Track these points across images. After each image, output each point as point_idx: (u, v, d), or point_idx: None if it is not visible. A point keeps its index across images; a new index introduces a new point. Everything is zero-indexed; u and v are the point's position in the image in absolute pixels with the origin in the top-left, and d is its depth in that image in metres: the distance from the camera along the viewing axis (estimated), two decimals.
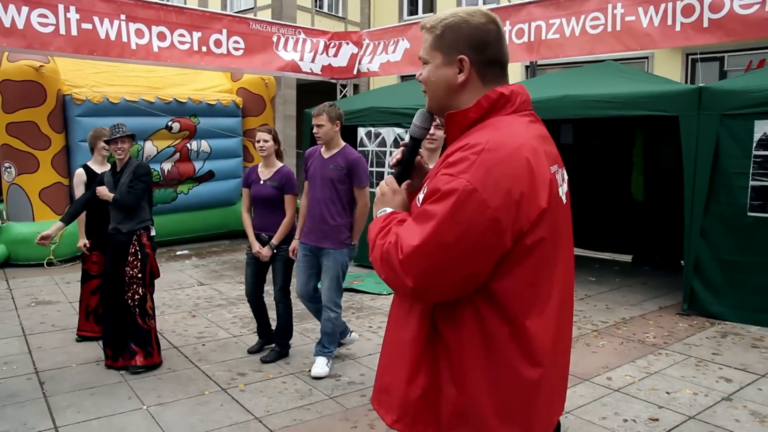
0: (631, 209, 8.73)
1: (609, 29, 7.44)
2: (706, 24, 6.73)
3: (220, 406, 3.96)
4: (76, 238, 8.40)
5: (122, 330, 4.55)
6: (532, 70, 14.41)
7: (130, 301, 4.50)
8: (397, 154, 1.75)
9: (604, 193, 8.94)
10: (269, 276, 4.87)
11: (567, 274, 1.59)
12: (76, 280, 7.56)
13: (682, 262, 6.38)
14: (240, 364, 4.70)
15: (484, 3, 16.05)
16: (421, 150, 1.79)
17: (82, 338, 5.28)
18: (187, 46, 8.13)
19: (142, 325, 4.54)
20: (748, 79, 6.20)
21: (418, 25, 9.18)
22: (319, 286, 4.59)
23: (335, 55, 9.86)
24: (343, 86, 10.98)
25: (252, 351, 4.96)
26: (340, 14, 17.48)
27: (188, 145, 9.49)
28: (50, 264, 8.39)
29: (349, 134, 6.35)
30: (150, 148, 9.09)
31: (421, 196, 1.51)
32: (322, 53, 9.69)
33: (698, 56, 12.50)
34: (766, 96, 5.42)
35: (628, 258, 8.89)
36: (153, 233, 4.76)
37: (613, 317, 5.97)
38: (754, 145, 5.54)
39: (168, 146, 9.28)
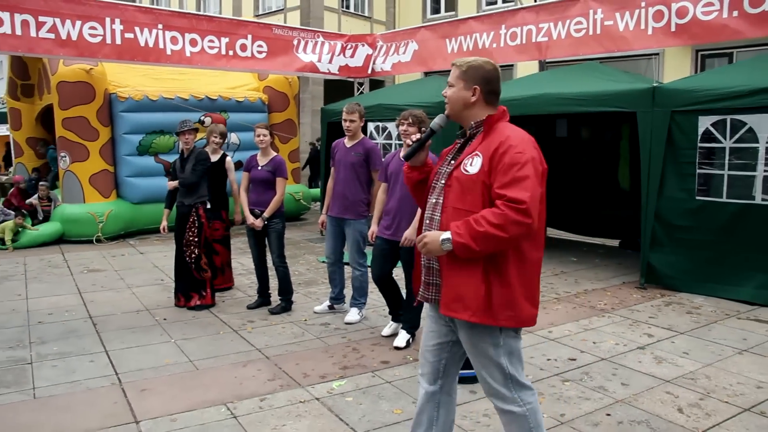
0: (618, 197, 9.51)
1: (590, 33, 8.24)
2: (673, 28, 7.49)
3: (230, 341, 5.02)
4: (122, 218, 9.68)
5: (184, 279, 5.94)
6: (541, 67, 15.22)
7: (188, 258, 5.83)
8: (417, 135, 2.66)
9: (595, 182, 9.74)
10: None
11: (543, 219, 2.53)
12: (120, 254, 8.80)
13: None
14: (250, 315, 5.77)
15: (486, 4, 16.81)
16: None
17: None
18: (215, 50, 9.23)
19: (197, 276, 5.89)
20: (695, 79, 6.99)
21: (425, 29, 10.17)
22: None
23: (352, 56, 10.86)
24: (360, 84, 11.95)
25: (250, 307, 5.99)
26: (366, 14, 18.46)
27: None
28: (98, 241, 9.63)
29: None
30: None
31: (470, 168, 2.41)
32: (339, 54, 10.70)
33: (706, 53, 13.06)
34: (707, 95, 6.22)
35: (615, 242, 9.67)
36: (208, 206, 5.97)
37: (576, 289, 6.84)
38: (699, 138, 6.33)
39: (200, 138, 10.40)
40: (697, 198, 6.44)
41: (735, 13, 6.99)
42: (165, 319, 5.62)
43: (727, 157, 6.22)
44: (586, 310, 6.01)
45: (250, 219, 5.73)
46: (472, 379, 4.00)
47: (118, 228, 9.90)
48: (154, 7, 8.97)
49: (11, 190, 10.75)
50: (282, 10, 17.53)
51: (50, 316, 5.73)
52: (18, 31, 7.63)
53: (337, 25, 17.12)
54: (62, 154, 9.64)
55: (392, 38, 10.80)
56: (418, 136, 2.64)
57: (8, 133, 13.60)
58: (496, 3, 17.08)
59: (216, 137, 6.46)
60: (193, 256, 5.86)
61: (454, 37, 9.78)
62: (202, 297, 5.93)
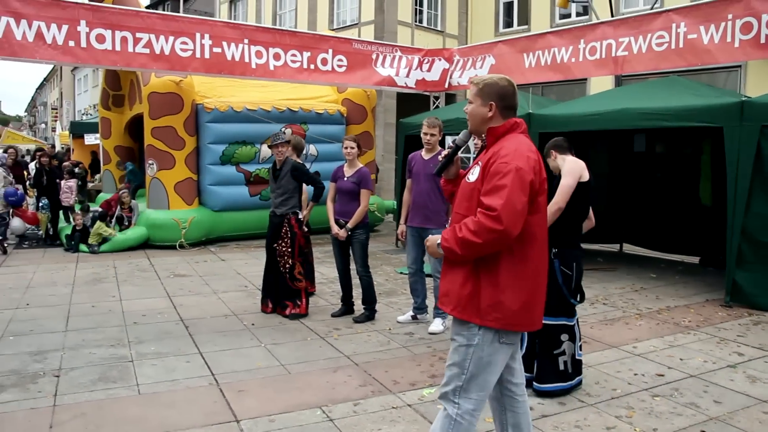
0: (699, 213, 9.26)
1: (672, 46, 8.10)
2: (763, 40, 7.27)
3: (318, 347, 5.20)
4: (203, 225, 10.09)
5: (278, 289, 6.12)
6: (617, 81, 14.96)
7: (282, 268, 6.05)
8: (446, 151, 2.84)
9: (674, 197, 9.52)
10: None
11: (543, 227, 2.63)
12: (203, 260, 9.19)
13: None
14: (336, 322, 5.95)
15: (560, 17, 16.64)
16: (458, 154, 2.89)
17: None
18: (298, 64, 9.55)
19: (291, 285, 6.08)
20: None
21: (502, 43, 10.22)
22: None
23: (428, 70, 11.01)
24: (436, 98, 12.08)
25: (335, 315, 6.16)
26: (439, 28, 18.63)
27: None
28: (181, 246, 10.09)
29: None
30: (265, 150, 10.63)
31: (471, 177, 2.59)
32: (416, 69, 10.87)
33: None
34: None
35: (695, 260, 9.41)
36: (300, 216, 6.18)
37: (658, 305, 6.72)
38: None
39: None
40: None
41: None
42: (253, 324, 5.87)
43: None
44: (670, 326, 5.90)
45: (335, 228, 5.92)
46: (547, 392, 4.08)
47: (200, 235, 10.33)
48: (240, 22, 9.28)
49: (113, 194, 11.37)
50: (356, 24, 17.90)
51: (144, 317, 6.08)
52: (117, 47, 8.14)
53: (411, 39, 17.33)
54: (150, 162, 10.16)
55: (469, 53, 10.89)
56: (447, 152, 2.81)
57: (98, 141, 14.39)
58: (570, 17, 16.93)
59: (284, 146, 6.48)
60: (288, 266, 6.07)
61: (532, 51, 9.79)
62: (297, 306, 6.10)
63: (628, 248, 10.31)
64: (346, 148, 5.96)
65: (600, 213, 9.32)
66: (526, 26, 17.75)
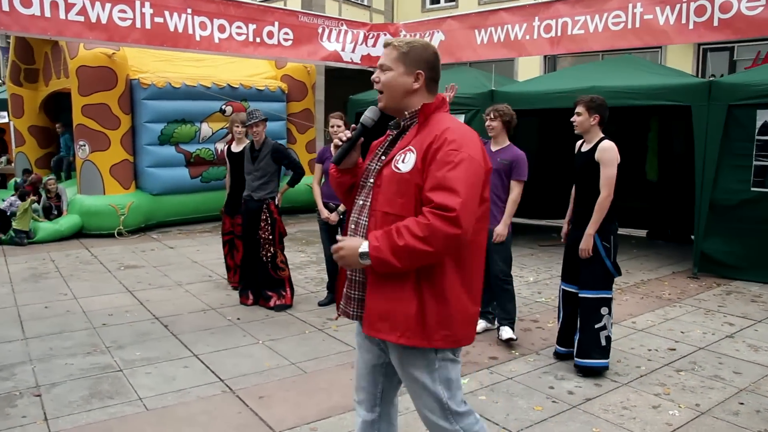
0: (645, 189, 9.61)
1: (629, 26, 8.26)
2: (716, 23, 7.54)
3: (321, 341, 4.89)
4: (142, 210, 9.36)
5: (259, 279, 5.69)
6: (552, 62, 15.24)
7: (263, 257, 5.61)
8: (347, 133, 2.26)
9: (622, 174, 9.78)
10: None
11: (485, 225, 2.21)
12: (150, 249, 8.52)
13: (692, 236, 7.29)
14: (326, 312, 5.63)
15: None
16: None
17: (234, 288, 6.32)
18: (243, 37, 8.94)
19: (273, 275, 5.66)
20: (752, 74, 7.08)
21: (451, 19, 10.05)
22: None
23: (373, 46, 10.66)
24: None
25: (322, 303, 5.85)
26: (365, 2, 18.21)
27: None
28: (120, 234, 9.30)
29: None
30: (206, 129, 9.97)
31: (402, 166, 2.06)
32: (361, 44, 10.50)
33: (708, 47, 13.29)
34: (766, 89, 6.30)
35: (643, 233, 9.79)
36: (277, 202, 5.74)
37: (632, 279, 6.89)
38: (757, 130, 6.42)
39: (222, 128, 10.14)
40: (753, 189, 6.54)
41: None
42: (239, 319, 5.44)
43: None
44: (654, 300, 6.06)
45: (325, 213, 5.58)
46: (589, 368, 4.04)
47: (138, 221, 9.58)
48: None
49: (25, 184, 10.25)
50: None
51: (111, 317, 5.49)
52: (47, 13, 7.24)
53: (338, 12, 16.84)
54: (81, 142, 9.25)
55: (416, 28, 10.64)
56: (349, 134, 2.26)
57: (6, 120, 12.97)
58: None
59: (238, 126, 6.06)
60: (269, 254, 5.65)
61: (484, 28, 9.68)
62: (282, 297, 5.73)
63: None
64: (333, 126, 5.60)
65: (549, 188, 9.57)
66: (453, 3, 17.73)
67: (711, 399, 3.81)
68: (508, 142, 4.85)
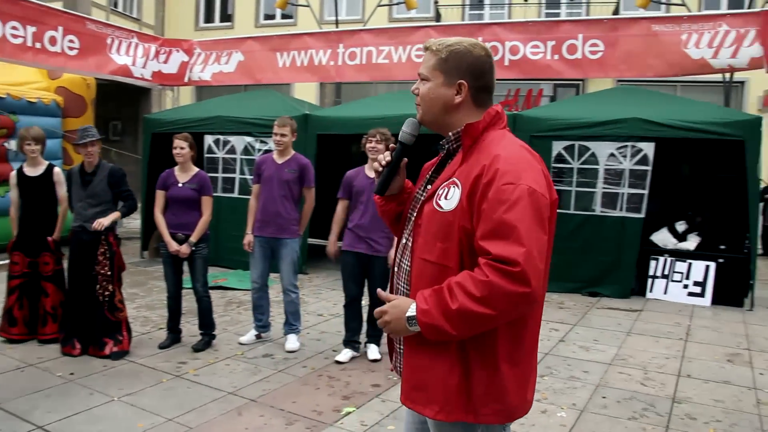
0: None
1: None
2: (506, 63, 8.53)
3: (186, 389, 4.37)
4: None
5: (92, 323, 4.83)
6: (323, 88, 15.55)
7: (100, 297, 4.79)
8: (387, 156, 1.93)
9: None
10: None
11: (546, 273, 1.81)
12: None
13: None
14: (170, 356, 5.03)
15: (264, 19, 16.85)
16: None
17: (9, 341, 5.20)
18: (20, 40, 7.64)
19: (110, 317, 4.85)
20: (550, 108, 8.23)
21: (252, 40, 9.84)
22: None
23: (165, 62, 9.91)
24: (172, 91, 11.00)
25: (163, 346, 5.23)
26: (135, 15, 16.90)
27: (6, 144, 8.82)
28: None
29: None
30: None
31: (444, 203, 1.72)
32: (153, 59, 9.70)
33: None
34: (560, 123, 7.38)
35: None
36: (117, 231, 4.99)
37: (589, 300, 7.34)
38: (552, 159, 7.42)
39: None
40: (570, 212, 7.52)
41: (556, 57, 8.28)
42: (72, 374, 4.57)
43: (575, 176, 7.41)
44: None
45: (174, 246, 5.02)
46: None
47: None
48: None
49: None
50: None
51: None
52: None
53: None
54: None
55: (212, 46, 10.15)
56: (389, 158, 1.93)
57: None
58: (274, 18, 17.11)
59: (30, 144, 5.14)
60: (107, 293, 4.87)
61: (286, 51, 9.64)
62: (119, 342, 4.94)
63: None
64: (176, 148, 5.10)
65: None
66: (229, 23, 17.36)
67: (581, 397, 4.30)
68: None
